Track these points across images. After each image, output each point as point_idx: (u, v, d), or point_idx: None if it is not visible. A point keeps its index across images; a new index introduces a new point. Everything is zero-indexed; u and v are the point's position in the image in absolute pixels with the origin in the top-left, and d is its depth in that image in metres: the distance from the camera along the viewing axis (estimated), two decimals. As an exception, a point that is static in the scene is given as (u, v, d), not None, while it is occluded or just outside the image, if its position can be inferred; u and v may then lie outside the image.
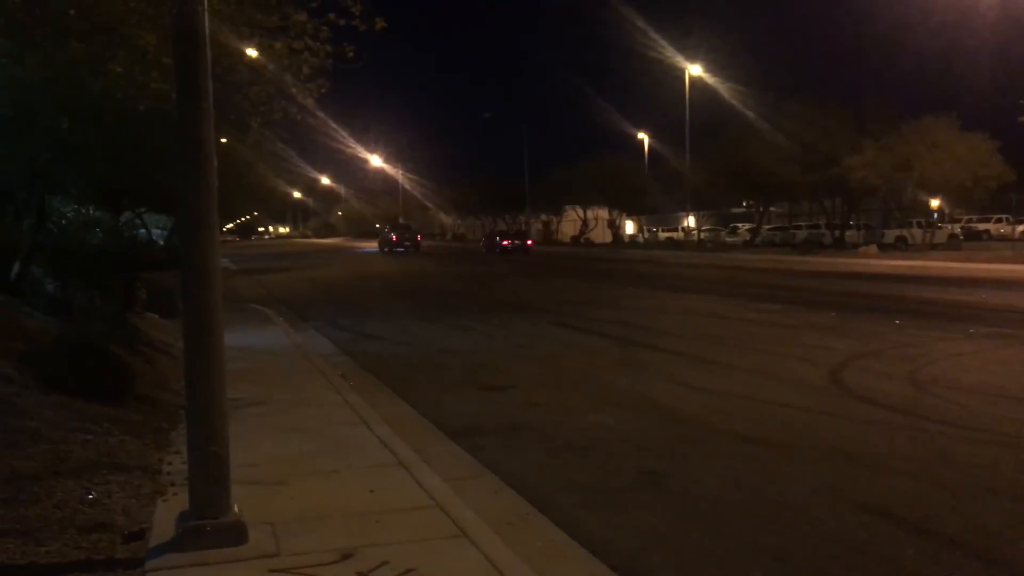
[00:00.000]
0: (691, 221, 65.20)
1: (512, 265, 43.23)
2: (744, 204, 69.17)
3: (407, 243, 64.63)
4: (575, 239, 79.91)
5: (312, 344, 14.93)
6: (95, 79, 8.24)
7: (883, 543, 5.50)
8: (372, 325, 18.05)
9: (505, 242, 62.64)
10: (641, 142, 68.81)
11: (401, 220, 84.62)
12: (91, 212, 17.91)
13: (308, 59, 8.05)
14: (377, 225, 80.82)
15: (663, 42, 54.10)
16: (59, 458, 6.36)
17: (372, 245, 74.84)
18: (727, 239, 62.98)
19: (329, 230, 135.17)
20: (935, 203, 46.78)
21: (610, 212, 78.15)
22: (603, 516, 6.09)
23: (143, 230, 26.25)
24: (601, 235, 78.39)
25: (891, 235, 49.29)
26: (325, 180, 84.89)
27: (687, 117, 56.28)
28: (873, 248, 45.75)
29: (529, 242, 64.21)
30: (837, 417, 8.88)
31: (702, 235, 64.39)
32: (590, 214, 79.76)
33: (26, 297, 12.35)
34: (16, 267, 12.61)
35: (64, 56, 7.70)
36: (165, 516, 5.44)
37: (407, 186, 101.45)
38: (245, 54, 8.28)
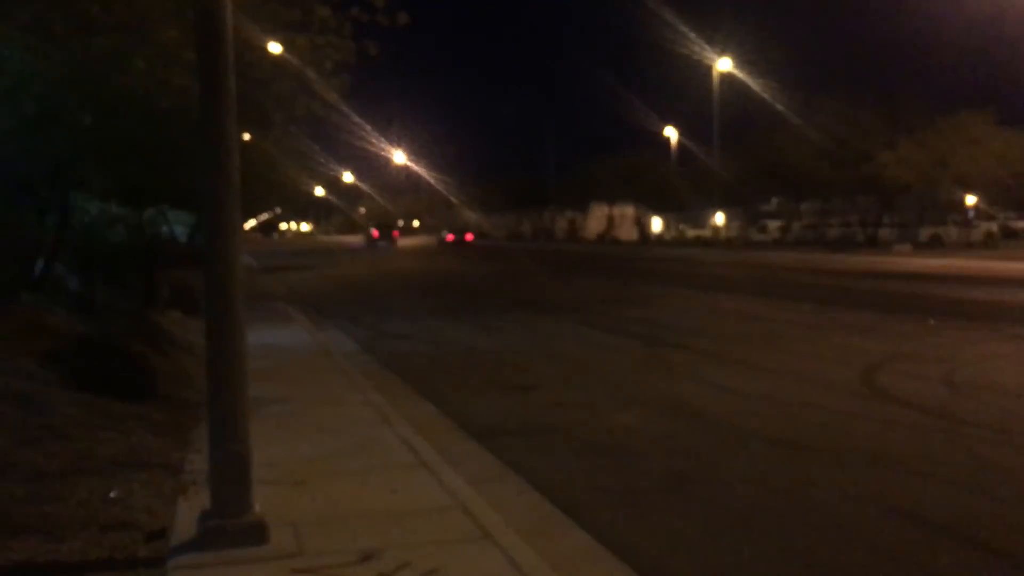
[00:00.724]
0: (719, 219, 64.74)
1: (537, 264, 43.14)
2: (774, 201, 68.57)
3: (385, 240, 76.00)
4: (601, 237, 79.70)
5: (334, 342, 14.91)
6: (118, 75, 8.25)
7: (917, 549, 5.34)
8: (394, 323, 18.02)
9: (449, 237, 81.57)
10: (668, 138, 68.34)
11: (403, 221, 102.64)
12: (114, 209, 18.00)
13: (331, 54, 8.02)
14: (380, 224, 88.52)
15: (692, 37, 53.73)
16: (82, 456, 6.35)
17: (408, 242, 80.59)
18: (756, 237, 62.50)
19: (352, 227, 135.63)
20: (971, 200, 46.13)
21: (636, 209, 77.86)
22: (629, 519, 5.98)
23: (165, 227, 26.40)
24: (627, 233, 78.14)
25: (926, 233, 48.71)
26: (348, 177, 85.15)
27: (715, 113, 55.94)
28: (907, 247, 45.23)
29: (469, 236, 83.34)
30: (869, 419, 8.70)
31: (731, 233, 63.95)
32: (616, 211, 79.52)
33: (49, 294, 12.42)
34: (39, 264, 12.68)
35: (87, 52, 7.70)
36: (187, 515, 5.40)
37: (431, 183, 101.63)
38: (268, 49, 8.25)
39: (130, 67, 7.77)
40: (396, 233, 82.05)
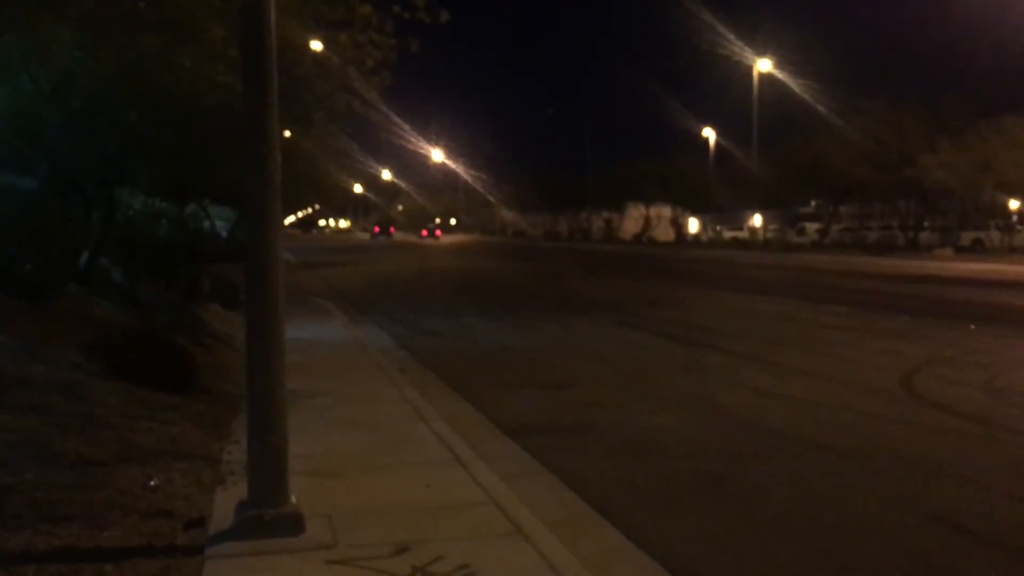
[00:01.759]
0: (757, 220, 64.14)
1: (574, 263, 43.08)
2: (813, 204, 67.80)
3: (384, 234, 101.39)
4: (637, 237, 79.34)
5: (371, 338, 15.02)
6: (164, 72, 8.39)
7: (954, 556, 5.29)
8: (431, 320, 18.10)
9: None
10: (706, 139, 67.83)
11: (440, 219, 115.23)
12: (157, 204, 18.29)
13: (372, 52, 8.08)
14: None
15: (731, 37, 53.32)
16: (123, 445, 6.47)
17: (432, 240, 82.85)
18: (794, 239, 61.85)
19: (390, 224, 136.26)
20: (1014, 205, 45.28)
21: (673, 210, 77.40)
22: (662, 519, 5.98)
23: (207, 222, 26.74)
24: (664, 234, 77.70)
25: (968, 237, 47.89)
26: (386, 174, 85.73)
27: (755, 114, 55.45)
28: (949, 251, 44.52)
29: (438, 232, 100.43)
30: (907, 424, 8.60)
31: (768, 235, 63.35)
32: (653, 212, 79.11)
33: (94, 286, 12.64)
34: (85, 257, 12.92)
35: (135, 50, 7.83)
36: (224, 505, 5.48)
37: (468, 181, 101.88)
38: (310, 47, 8.34)
39: (176, 65, 7.91)
40: (392, 229, 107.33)
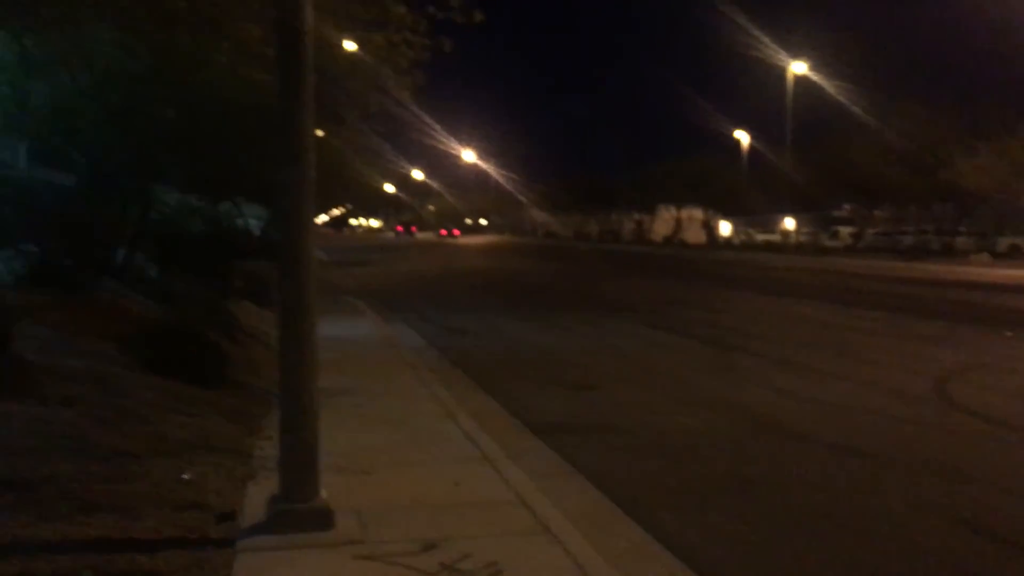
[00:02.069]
0: (790, 223, 63.57)
1: (603, 264, 42.99)
2: (846, 207, 67.09)
3: (407, 233, 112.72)
4: (668, 239, 79.00)
5: (401, 336, 15.10)
6: (200, 70, 8.49)
7: (985, 563, 5.23)
8: (460, 319, 18.16)
9: (399, 228, 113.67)
10: (738, 141, 67.24)
11: (471, 219, 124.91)
12: (192, 201, 18.50)
13: (406, 52, 8.12)
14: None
15: (765, 39, 52.83)
16: (157, 438, 6.56)
17: (464, 240, 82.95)
18: (827, 243, 61.23)
19: (421, 224, 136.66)
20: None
21: (704, 212, 76.97)
22: (689, 520, 5.96)
23: (240, 219, 26.96)
24: (695, 236, 77.29)
25: (1004, 243, 47.14)
26: (417, 174, 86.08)
27: (788, 115, 54.93)
28: (985, 256, 43.85)
29: (456, 232, 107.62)
30: (940, 430, 8.51)
31: (801, 238, 62.79)
32: (684, 214, 78.71)
33: (130, 282, 12.82)
34: (121, 253, 13.10)
35: (172, 48, 7.94)
36: (256, 498, 5.55)
37: (499, 181, 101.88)
38: (344, 47, 8.40)
39: (212, 63, 8.01)
40: (414, 228, 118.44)
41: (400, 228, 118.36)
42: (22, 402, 6.52)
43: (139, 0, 6.91)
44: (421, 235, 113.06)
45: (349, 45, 8.76)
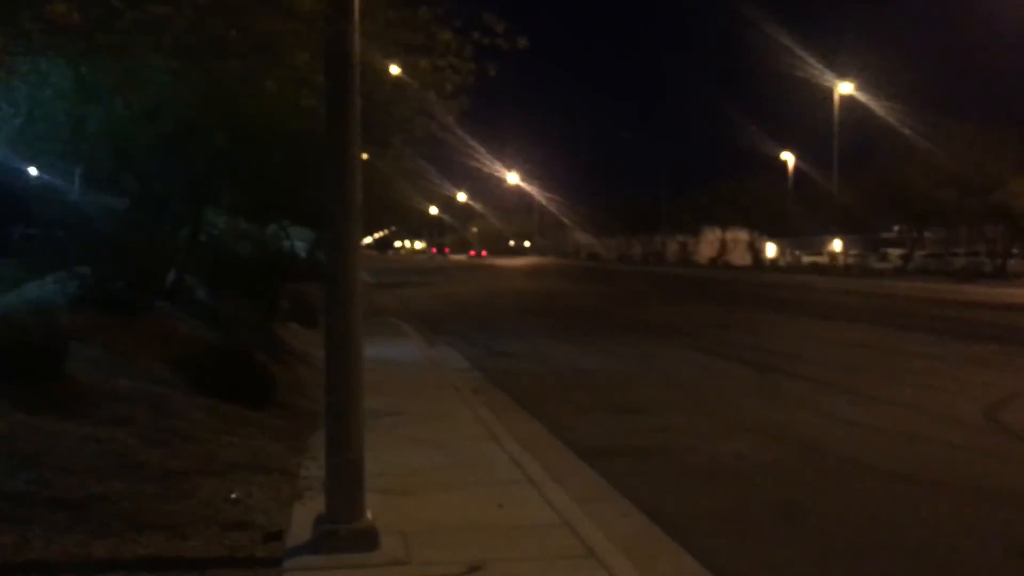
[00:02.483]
0: (837, 245, 62.72)
1: (648, 287, 42.78)
2: (895, 228, 66.07)
3: (439, 254, 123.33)
4: (713, 261, 78.35)
5: (445, 358, 15.15)
6: (250, 96, 8.65)
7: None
8: (503, 342, 18.17)
9: (433, 249, 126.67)
10: (784, 162, 66.67)
11: (514, 242, 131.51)
12: (241, 224, 18.80)
13: (451, 77, 8.20)
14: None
15: (811, 59, 52.46)
16: (206, 458, 6.65)
17: (508, 262, 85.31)
18: (876, 265, 60.29)
19: (464, 246, 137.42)
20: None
21: (750, 234, 76.29)
22: (736, 546, 5.89)
23: (287, 242, 27.31)
24: (740, 258, 76.55)
25: (1060, 265, 46.05)
26: (461, 196, 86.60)
27: (835, 136, 54.41)
28: (1039, 279, 42.87)
29: (446, 249, 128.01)
30: (992, 456, 8.32)
31: (849, 260, 61.93)
32: (729, 236, 78.10)
33: (180, 304, 13.04)
34: (172, 275, 13.35)
35: (222, 75, 8.10)
36: (302, 518, 5.59)
37: (543, 203, 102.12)
38: (390, 72, 8.51)
39: (262, 89, 8.16)
40: (447, 250, 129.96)
41: (435, 250, 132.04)
42: (76, 422, 6.65)
43: (192, 29, 7.07)
44: (453, 256, 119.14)
45: (395, 70, 8.88)
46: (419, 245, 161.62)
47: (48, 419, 6.57)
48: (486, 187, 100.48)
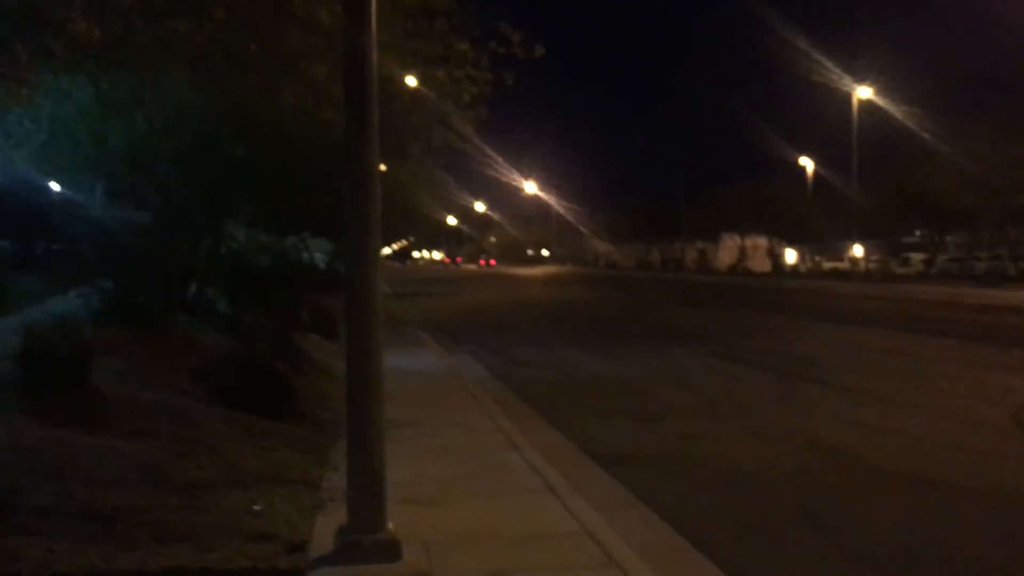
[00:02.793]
0: (858, 250, 62.31)
1: (667, 294, 42.65)
2: (917, 233, 65.57)
3: (452, 263, 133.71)
4: (732, 268, 78.07)
5: (465, 368, 15.15)
6: (270, 109, 8.72)
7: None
8: (523, 350, 18.15)
9: (447, 259, 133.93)
10: (803, 167, 66.30)
11: (532, 250, 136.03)
12: (260, 235, 18.90)
13: (468, 87, 8.23)
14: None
15: (829, 63, 52.18)
16: (229, 469, 6.68)
17: (526, 271, 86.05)
18: (898, 270, 59.86)
19: (482, 256, 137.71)
20: None
21: (769, 240, 75.97)
22: (760, 554, 5.85)
23: (306, 253, 27.43)
24: (759, 264, 76.26)
25: (1083, 268, 45.58)
26: (479, 206, 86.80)
27: (854, 140, 54.06)
28: (1063, 281, 42.42)
29: (458, 259, 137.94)
30: (1018, 461, 8.23)
31: (870, 265, 61.52)
32: (748, 242, 77.80)
33: (201, 316, 13.12)
34: (193, 287, 13.43)
35: (242, 88, 8.17)
36: (324, 529, 5.60)
37: (560, 211, 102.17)
38: (407, 83, 8.55)
39: (281, 101, 8.23)
40: (459, 259, 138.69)
41: (448, 260, 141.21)
42: (100, 434, 6.71)
43: (212, 43, 7.14)
44: (465, 266, 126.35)
45: (413, 81, 8.92)
46: (437, 255, 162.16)
47: (73, 432, 6.62)
48: (504, 196, 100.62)
